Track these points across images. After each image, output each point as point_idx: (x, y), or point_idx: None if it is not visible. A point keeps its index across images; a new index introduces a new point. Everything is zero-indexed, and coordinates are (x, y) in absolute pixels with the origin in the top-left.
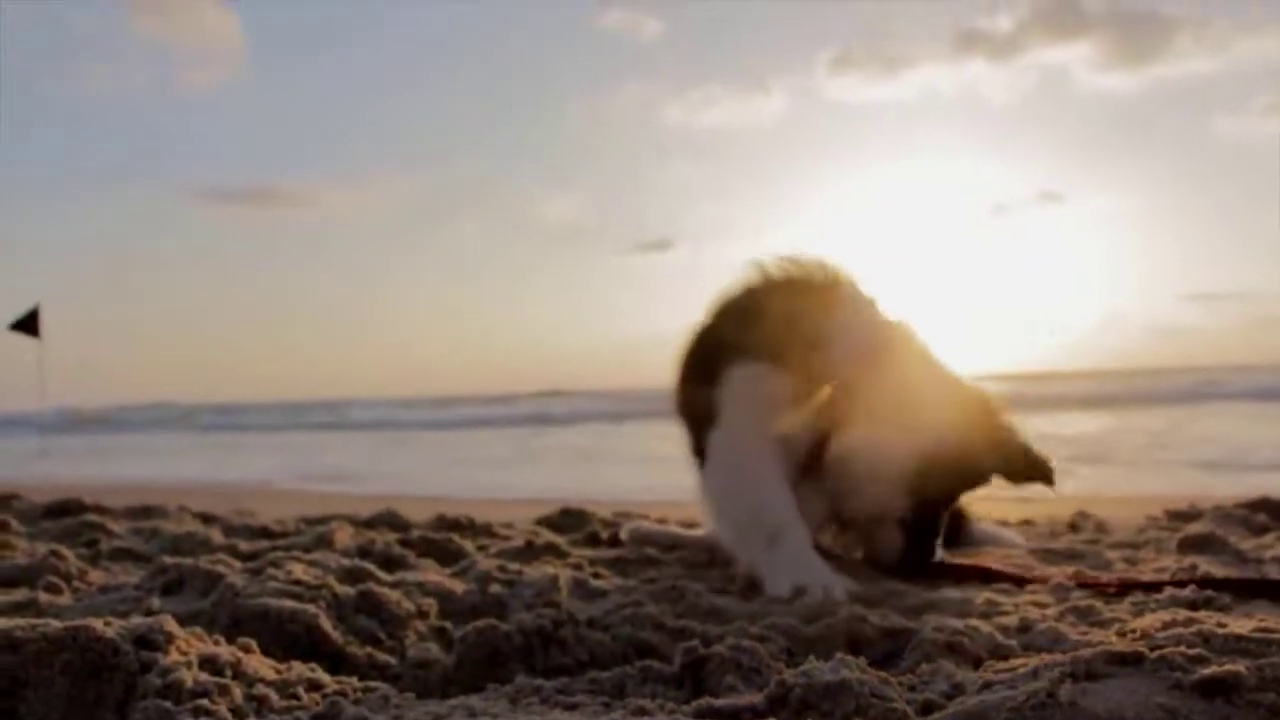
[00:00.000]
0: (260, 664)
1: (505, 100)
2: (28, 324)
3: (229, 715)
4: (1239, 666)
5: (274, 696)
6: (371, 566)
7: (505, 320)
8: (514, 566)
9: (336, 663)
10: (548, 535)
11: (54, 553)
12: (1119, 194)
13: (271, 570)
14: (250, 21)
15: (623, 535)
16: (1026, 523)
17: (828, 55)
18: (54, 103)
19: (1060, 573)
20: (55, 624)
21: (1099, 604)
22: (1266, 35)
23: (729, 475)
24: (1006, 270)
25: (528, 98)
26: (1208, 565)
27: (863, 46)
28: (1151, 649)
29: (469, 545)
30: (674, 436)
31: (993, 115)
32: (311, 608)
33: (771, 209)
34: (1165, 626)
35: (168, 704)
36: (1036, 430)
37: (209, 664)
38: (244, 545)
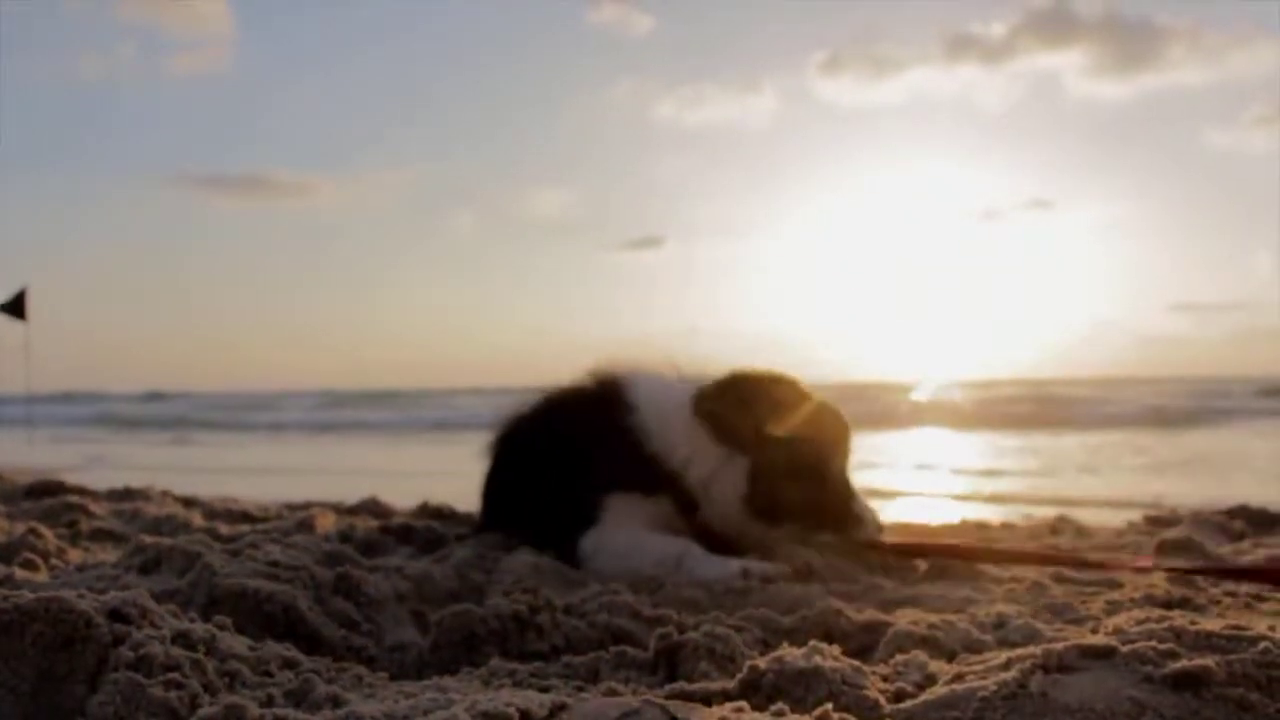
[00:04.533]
0: (234, 641)
1: (497, 94)
2: (14, 306)
3: (200, 689)
4: (1209, 661)
5: (247, 672)
6: (351, 551)
7: (494, 315)
8: (494, 555)
9: (313, 644)
10: None
11: (32, 531)
12: (1109, 202)
13: (250, 552)
14: (238, 8)
15: None
16: (1008, 526)
17: (819, 56)
18: (41, 89)
19: None
20: (28, 595)
21: (1075, 602)
22: (1258, 47)
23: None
24: (995, 276)
25: (520, 92)
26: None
27: (854, 49)
28: (1123, 643)
29: (450, 534)
30: None
31: (984, 120)
32: (289, 589)
33: (761, 209)
34: (1138, 623)
35: (139, 677)
36: (1022, 439)
37: (182, 639)
38: (224, 528)
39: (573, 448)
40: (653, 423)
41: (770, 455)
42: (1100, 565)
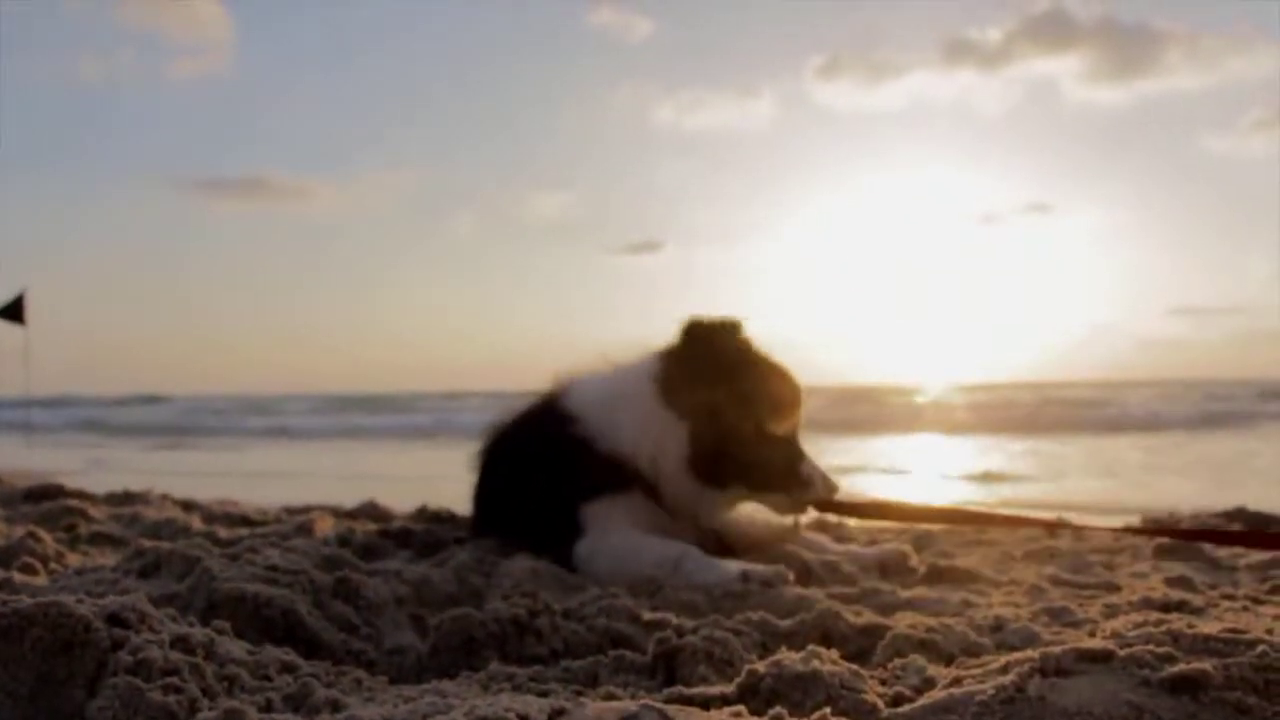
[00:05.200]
0: (233, 645)
1: (497, 97)
2: (13, 310)
3: (199, 694)
4: (1206, 665)
5: (246, 677)
6: (350, 555)
7: (493, 317)
8: (493, 559)
9: (312, 648)
10: None
11: (31, 535)
12: (1107, 207)
13: (249, 556)
14: (238, 12)
15: None
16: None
17: (818, 61)
18: (41, 90)
19: None
20: (27, 600)
21: (1073, 605)
22: (1256, 52)
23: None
24: (995, 280)
25: (519, 94)
26: (1183, 570)
27: (852, 53)
28: (1121, 647)
29: (449, 537)
30: None
31: (982, 125)
32: (288, 593)
33: (761, 212)
34: (1136, 627)
35: (138, 681)
36: (1022, 443)
37: (181, 643)
38: (224, 532)
39: (540, 463)
40: (597, 423)
41: (708, 416)
42: (1053, 525)
